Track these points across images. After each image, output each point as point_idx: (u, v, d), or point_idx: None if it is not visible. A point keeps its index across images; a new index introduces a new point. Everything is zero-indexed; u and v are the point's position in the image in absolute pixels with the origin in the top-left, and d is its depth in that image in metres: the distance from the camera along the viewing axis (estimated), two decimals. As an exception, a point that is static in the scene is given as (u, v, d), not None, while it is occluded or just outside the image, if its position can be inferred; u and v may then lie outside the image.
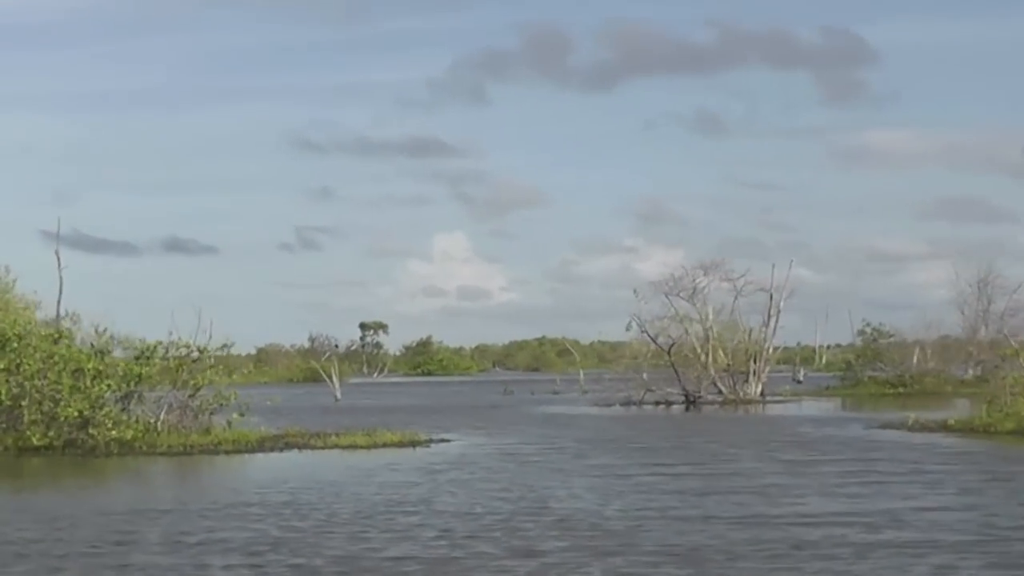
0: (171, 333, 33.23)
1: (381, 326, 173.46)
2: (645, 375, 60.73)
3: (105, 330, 33.31)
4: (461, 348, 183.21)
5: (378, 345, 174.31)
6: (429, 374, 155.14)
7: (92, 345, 33.25)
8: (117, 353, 32.92)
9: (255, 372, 29.12)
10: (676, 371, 59.53)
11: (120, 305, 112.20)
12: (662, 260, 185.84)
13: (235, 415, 33.55)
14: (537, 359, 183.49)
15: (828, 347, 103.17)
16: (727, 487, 21.48)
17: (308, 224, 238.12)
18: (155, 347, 33.15)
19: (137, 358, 32.98)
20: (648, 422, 45.25)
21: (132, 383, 32.42)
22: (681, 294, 62.07)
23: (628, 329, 61.55)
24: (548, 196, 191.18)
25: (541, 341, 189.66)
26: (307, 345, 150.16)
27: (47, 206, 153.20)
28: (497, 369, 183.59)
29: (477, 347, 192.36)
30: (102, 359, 32.34)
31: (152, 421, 32.47)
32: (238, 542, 15.66)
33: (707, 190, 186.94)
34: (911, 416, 37.73)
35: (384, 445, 32.37)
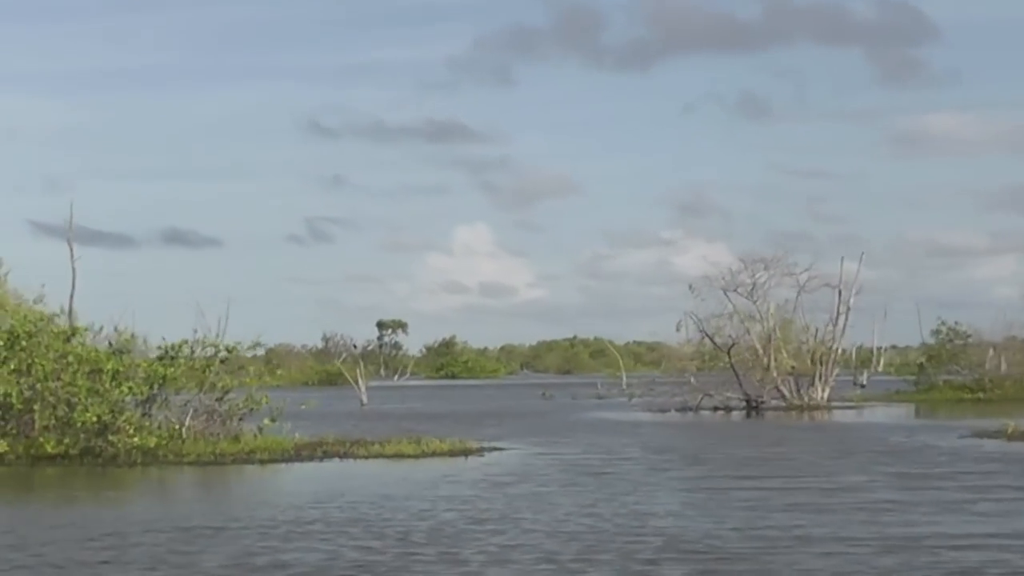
0: (196, 331, 33.14)
1: (400, 325, 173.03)
2: (692, 379, 60.54)
3: (126, 328, 33.24)
4: (485, 349, 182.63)
5: (397, 345, 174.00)
6: (453, 377, 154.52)
7: (110, 344, 33.04)
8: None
9: (266, 375, 29.01)
10: (736, 374, 58.82)
11: (114, 302, 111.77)
12: (702, 254, 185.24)
13: (266, 421, 33.34)
14: (569, 361, 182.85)
15: (886, 348, 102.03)
16: (840, 503, 20.88)
17: (319, 214, 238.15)
18: (180, 346, 32.86)
19: (160, 358, 32.71)
20: (714, 430, 44.99)
21: (155, 385, 32.17)
22: (739, 289, 61.11)
23: (679, 329, 61.23)
24: (578, 185, 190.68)
25: (572, 341, 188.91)
26: (321, 345, 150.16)
27: (37, 194, 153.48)
28: (525, 372, 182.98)
29: (503, 348, 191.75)
30: (121, 359, 32.07)
31: (177, 427, 32.16)
32: (312, 565, 15.09)
33: (751, 179, 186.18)
34: (1010, 424, 37.03)
35: (433, 454, 32.21)
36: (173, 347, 32.82)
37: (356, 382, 73.56)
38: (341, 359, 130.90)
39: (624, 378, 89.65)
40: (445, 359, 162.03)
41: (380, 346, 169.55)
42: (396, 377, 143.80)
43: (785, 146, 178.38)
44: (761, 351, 59.79)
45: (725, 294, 60.99)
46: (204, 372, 32.67)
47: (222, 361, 32.99)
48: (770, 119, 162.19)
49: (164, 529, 18.50)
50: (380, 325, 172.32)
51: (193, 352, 32.91)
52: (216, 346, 33.17)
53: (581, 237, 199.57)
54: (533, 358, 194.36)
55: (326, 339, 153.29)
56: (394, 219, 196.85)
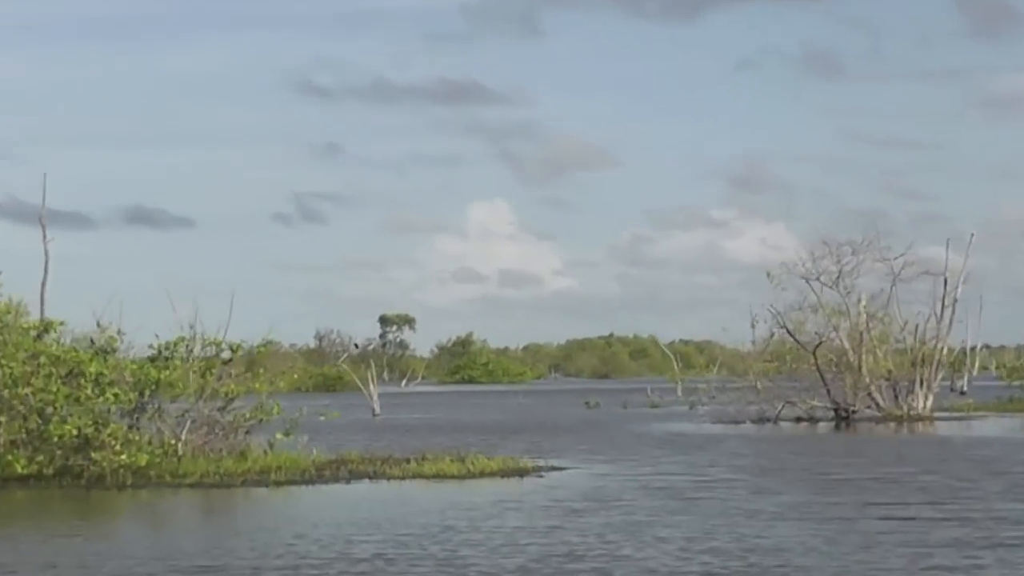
0: (191, 327, 32.82)
1: (406, 320, 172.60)
2: (759, 383, 60.41)
3: (110, 324, 32.45)
4: (506, 349, 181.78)
5: (403, 345, 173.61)
6: (470, 381, 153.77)
7: (92, 342, 32.55)
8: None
9: (252, 379, 28.66)
10: (823, 378, 57.94)
11: (67, 292, 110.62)
12: (760, 236, 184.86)
13: (277, 435, 33.17)
14: (606, 363, 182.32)
15: (981, 348, 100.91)
16: (1014, 538, 19.87)
17: (311, 190, 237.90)
18: (176, 344, 32.58)
19: (152, 359, 32.46)
20: (807, 444, 44.72)
21: (146, 392, 31.88)
22: (822, 278, 60.35)
23: (755, 325, 61.11)
24: (615, 155, 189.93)
25: (608, 340, 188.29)
26: (313, 345, 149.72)
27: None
28: (556, 375, 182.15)
29: (527, 348, 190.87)
30: (106, 360, 31.65)
31: (172, 442, 31.93)
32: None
33: (818, 148, 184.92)
34: None
35: (481, 474, 32.01)
36: (167, 346, 32.52)
37: (367, 388, 73.90)
38: (340, 360, 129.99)
39: (680, 384, 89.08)
40: (461, 361, 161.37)
41: (383, 345, 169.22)
42: (404, 382, 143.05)
43: (857, 110, 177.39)
44: (851, 351, 58.85)
45: (808, 283, 60.32)
46: (204, 376, 32.45)
47: (225, 362, 32.81)
48: (840, 78, 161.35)
49: (185, 567, 17.97)
50: (383, 321, 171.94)
51: (191, 351, 32.62)
52: (218, 344, 32.86)
53: (619, 216, 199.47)
54: (563, 359, 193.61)
55: (319, 337, 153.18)
56: (399, 195, 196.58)
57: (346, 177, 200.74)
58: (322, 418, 36.30)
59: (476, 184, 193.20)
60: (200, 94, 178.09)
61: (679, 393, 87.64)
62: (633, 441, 46.12)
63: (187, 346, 32.48)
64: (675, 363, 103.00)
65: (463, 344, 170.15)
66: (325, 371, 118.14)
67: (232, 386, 32.50)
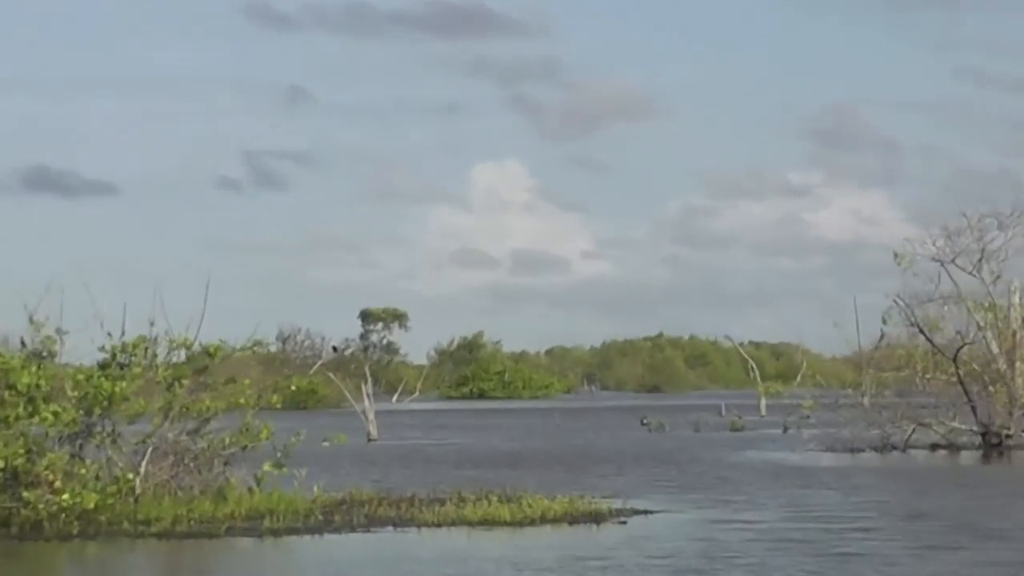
0: (152, 324, 31.90)
1: (396, 316, 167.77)
2: (866, 399, 60.04)
3: (47, 319, 31.36)
4: (523, 353, 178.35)
5: (391, 348, 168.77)
6: (481, 395, 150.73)
7: (23, 344, 31.55)
8: None
9: (236, 393, 27.95)
10: (968, 393, 57.23)
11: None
12: (852, 207, 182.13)
13: (265, 466, 32.57)
14: (655, 371, 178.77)
15: None
16: None
17: (268, 147, 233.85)
18: (135, 347, 31.57)
19: (104, 366, 31.45)
20: (960, 479, 44.07)
21: (96, 410, 30.94)
22: (957, 260, 59.05)
23: (886, 321, 59.79)
24: (660, 102, 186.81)
25: (657, 341, 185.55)
26: (274, 348, 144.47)
27: None
28: (593, 388, 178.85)
29: (551, 352, 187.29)
30: (42, 368, 30.91)
31: (129, 477, 30.96)
32: None
33: (928, 93, 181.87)
34: None
35: (543, 519, 31.40)
36: (124, 348, 31.62)
37: (361, 405, 72.56)
38: (313, 370, 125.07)
39: (763, 400, 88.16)
40: (468, 369, 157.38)
41: (365, 349, 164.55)
42: (397, 396, 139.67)
43: (979, 44, 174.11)
44: (1002, 358, 57.42)
45: (943, 266, 59.35)
46: (172, 388, 31.72)
47: (199, 371, 32.14)
48: (955, 4, 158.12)
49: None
50: (365, 317, 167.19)
51: (154, 356, 31.90)
52: (188, 346, 32.20)
53: (667, 182, 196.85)
54: (598, 367, 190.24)
55: (282, 338, 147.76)
56: (383, 154, 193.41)
57: (314, 131, 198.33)
58: (326, 444, 35.22)
59: (483, 140, 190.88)
60: (124, 25, 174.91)
61: (762, 411, 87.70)
62: (728, 475, 45.69)
63: (147, 349, 31.73)
64: (755, 373, 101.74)
65: (470, 347, 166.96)
66: (296, 382, 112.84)
67: (208, 402, 31.77)
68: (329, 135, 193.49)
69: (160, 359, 32.05)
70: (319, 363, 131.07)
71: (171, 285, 32.84)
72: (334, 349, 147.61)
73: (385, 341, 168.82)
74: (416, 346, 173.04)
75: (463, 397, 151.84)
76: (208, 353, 32.28)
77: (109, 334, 31.72)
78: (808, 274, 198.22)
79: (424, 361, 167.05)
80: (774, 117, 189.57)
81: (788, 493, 38.71)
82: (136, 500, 30.78)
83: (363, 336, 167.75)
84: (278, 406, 34.58)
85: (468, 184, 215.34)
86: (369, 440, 68.07)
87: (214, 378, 32.47)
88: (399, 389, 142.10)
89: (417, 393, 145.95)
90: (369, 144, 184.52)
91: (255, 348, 33.74)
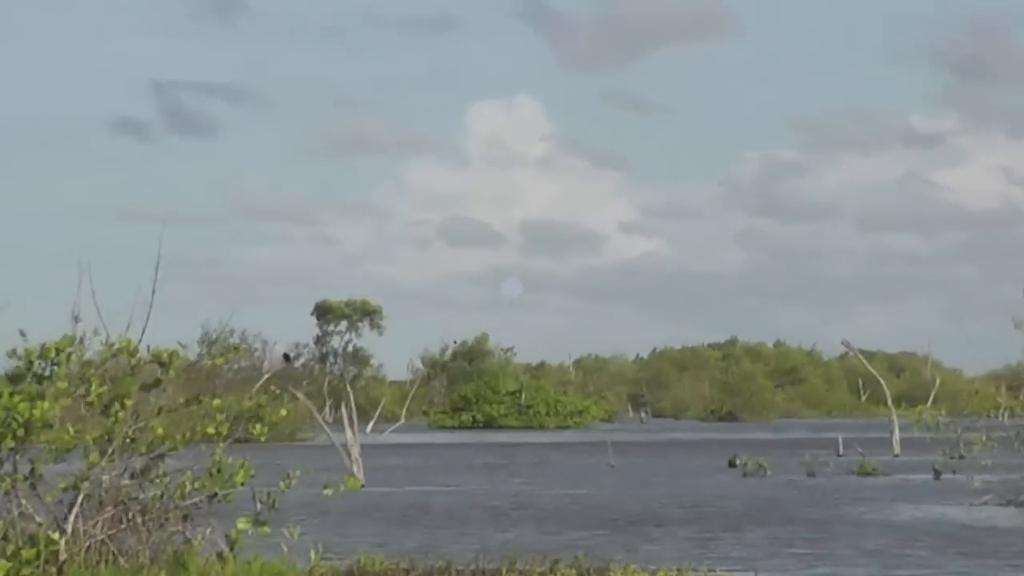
0: (77, 320, 27.21)
1: (366, 311, 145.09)
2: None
3: None
4: (543, 365, 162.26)
5: (359, 356, 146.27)
6: (488, 424, 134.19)
7: None
8: None
9: (201, 418, 23.20)
10: None
11: None
12: (999, 163, 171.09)
13: (240, 523, 27.96)
14: (728, 393, 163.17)
15: None
16: None
17: (186, 78, 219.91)
18: (61, 350, 27.04)
19: (15, 379, 27.01)
20: None
21: (8, 442, 26.87)
22: None
23: None
24: (730, 18, 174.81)
25: (727, 350, 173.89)
26: (195, 353, 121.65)
27: None
28: (644, 415, 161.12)
29: (579, 362, 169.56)
30: None
31: (52, 536, 27.09)
32: None
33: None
34: None
35: None
36: (44, 353, 27.00)
37: (344, 434, 62.61)
38: (257, 385, 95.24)
39: (896, 430, 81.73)
40: (471, 389, 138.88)
41: (323, 357, 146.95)
42: (371, 425, 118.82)
43: None
44: None
45: None
46: (109, 411, 27.06)
47: (149, 386, 27.28)
48: None
49: None
50: (323, 312, 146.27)
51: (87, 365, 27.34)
52: (132, 351, 27.21)
53: (739, 128, 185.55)
54: (647, 384, 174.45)
55: (208, 341, 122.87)
56: (344, 88, 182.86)
57: (250, 56, 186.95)
58: (328, 492, 29.32)
59: (483, 68, 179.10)
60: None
61: (895, 448, 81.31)
62: (884, 539, 40.00)
63: (71, 354, 27.05)
64: (887, 394, 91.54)
65: (469, 357, 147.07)
66: (243, 403, 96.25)
67: (160, 431, 26.94)
68: (269, 61, 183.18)
69: (97, 369, 27.24)
70: (266, 375, 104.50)
71: (47, 271, 26.14)
72: (286, 358, 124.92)
73: (351, 347, 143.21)
74: (393, 354, 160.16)
75: (463, 427, 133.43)
76: (160, 362, 27.26)
77: (22, 332, 27.20)
78: (938, 257, 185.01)
79: (405, 375, 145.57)
80: (889, 37, 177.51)
81: (978, 566, 33.74)
82: (60, 571, 26.92)
83: (320, 340, 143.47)
84: (262, 439, 29.07)
85: (461, 130, 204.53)
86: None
87: (168, 398, 27.56)
88: (374, 415, 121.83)
89: (402, 420, 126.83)
90: (324, 74, 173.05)
91: (228, 356, 31.12)
